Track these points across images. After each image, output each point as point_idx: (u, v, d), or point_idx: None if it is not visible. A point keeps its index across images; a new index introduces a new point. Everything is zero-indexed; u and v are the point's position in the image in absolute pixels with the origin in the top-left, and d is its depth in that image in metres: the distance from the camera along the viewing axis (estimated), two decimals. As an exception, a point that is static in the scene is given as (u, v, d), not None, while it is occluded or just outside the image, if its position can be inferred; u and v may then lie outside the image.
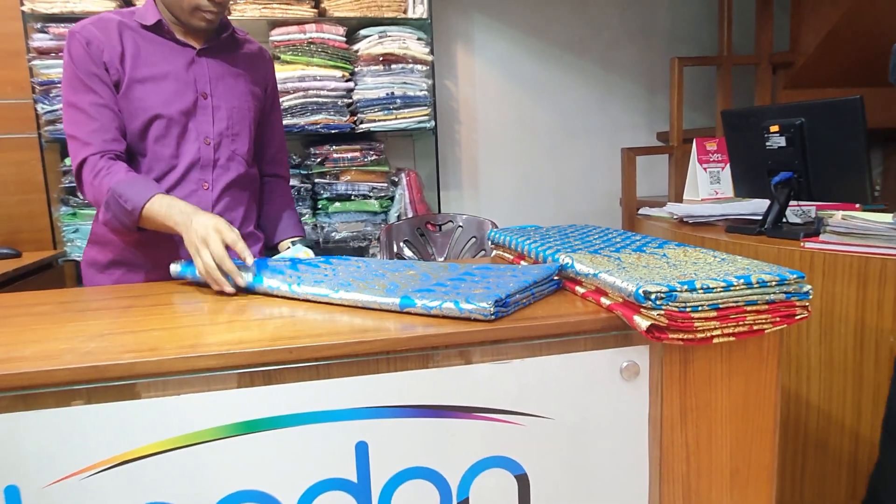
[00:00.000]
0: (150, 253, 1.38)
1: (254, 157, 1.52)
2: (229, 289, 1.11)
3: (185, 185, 1.38)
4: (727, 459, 0.97)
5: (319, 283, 1.06)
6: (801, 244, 1.49)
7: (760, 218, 1.72)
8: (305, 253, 1.44)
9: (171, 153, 1.36)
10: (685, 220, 1.99)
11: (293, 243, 1.52)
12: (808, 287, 0.89)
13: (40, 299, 1.18)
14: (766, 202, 1.73)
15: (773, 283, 0.87)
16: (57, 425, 0.79)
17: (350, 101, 2.73)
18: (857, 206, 1.77)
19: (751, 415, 0.96)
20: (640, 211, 2.37)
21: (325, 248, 2.80)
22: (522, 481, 0.91)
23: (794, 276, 0.88)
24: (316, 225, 2.79)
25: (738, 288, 0.85)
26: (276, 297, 1.10)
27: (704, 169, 2.29)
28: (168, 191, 1.34)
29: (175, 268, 1.23)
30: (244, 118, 1.45)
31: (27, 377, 0.77)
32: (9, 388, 0.77)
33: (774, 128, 1.66)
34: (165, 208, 1.22)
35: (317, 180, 2.77)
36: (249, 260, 1.12)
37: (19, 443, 0.78)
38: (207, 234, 1.12)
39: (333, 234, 2.78)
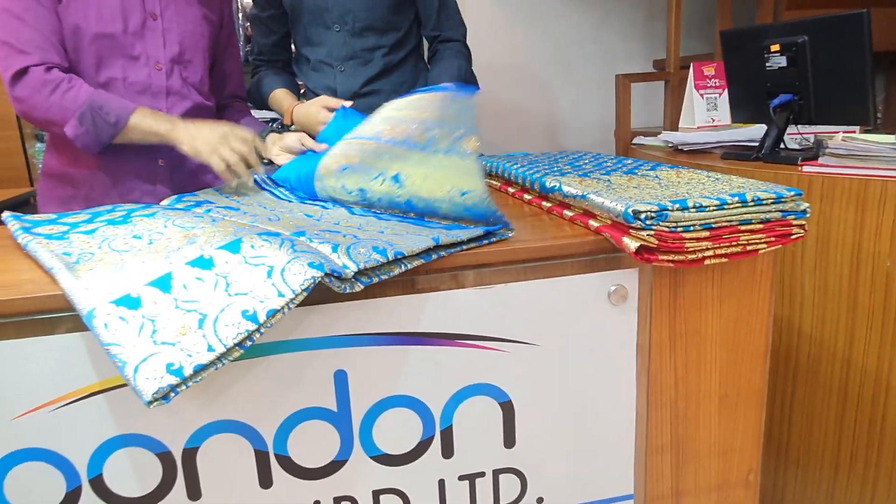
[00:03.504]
0: (103, 177, 1.33)
1: (210, 90, 1.43)
2: (251, 182, 1.24)
3: None
4: (716, 384, 0.95)
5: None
6: (799, 168, 1.44)
7: (758, 144, 1.66)
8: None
9: (119, 76, 1.28)
10: (680, 147, 1.93)
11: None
12: (805, 205, 0.85)
13: (3, 232, 1.14)
14: (765, 128, 1.67)
15: (769, 200, 0.83)
16: (21, 356, 0.76)
17: (334, 28, 2.61)
18: (858, 130, 1.71)
19: (741, 339, 0.94)
20: (635, 140, 2.30)
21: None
22: (507, 408, 0.89)
23: (792, 193, 0.84)
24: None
25: (732, 206, 0.81)
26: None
27: (701, 95, 2.21)
28: None
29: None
30: (197, 44, 1.36)
31: (-16, 307, 0.74)
32: (-35, 319, 0.74)
33: (775, 47, 1.58)
34: (150, 117, 1.22)
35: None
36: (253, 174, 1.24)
37: (-18, 375, 0.75)
38: (224, 134, 1.20)
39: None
